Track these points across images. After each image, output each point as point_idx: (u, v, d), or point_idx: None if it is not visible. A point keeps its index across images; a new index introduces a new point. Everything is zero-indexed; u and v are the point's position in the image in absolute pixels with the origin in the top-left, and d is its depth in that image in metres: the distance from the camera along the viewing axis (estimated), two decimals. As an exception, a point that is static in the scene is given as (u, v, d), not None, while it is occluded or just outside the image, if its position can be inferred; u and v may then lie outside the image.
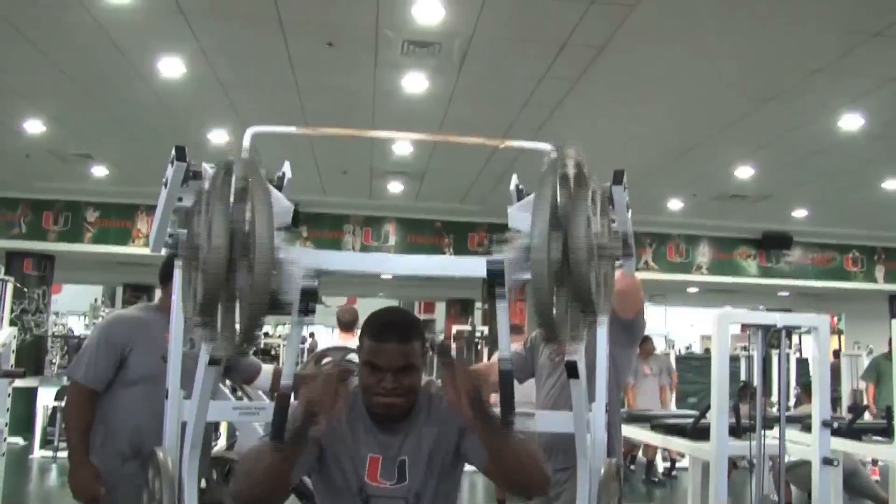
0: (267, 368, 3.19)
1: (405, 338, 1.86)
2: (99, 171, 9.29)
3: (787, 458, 3.54)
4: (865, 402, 8.31)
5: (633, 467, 9.29)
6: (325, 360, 3.52)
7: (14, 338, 4.39)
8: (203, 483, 2.93)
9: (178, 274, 2.36)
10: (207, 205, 1.55)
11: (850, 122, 6.61)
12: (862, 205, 9.82)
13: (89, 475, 2.73)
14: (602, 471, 2.30)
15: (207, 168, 2.16)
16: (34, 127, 7.52)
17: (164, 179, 2.13)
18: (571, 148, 1.64)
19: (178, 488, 2.26)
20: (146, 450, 2.47)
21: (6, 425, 4.12)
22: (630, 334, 3.10)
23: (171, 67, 5.91)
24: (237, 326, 1.54)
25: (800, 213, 10.59)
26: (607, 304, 1.66)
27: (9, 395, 4.25)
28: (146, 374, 2.76)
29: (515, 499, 6.43)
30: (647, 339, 9.15)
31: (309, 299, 1.61)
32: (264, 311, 1.53)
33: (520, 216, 2.04)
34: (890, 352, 8.34)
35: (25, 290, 10.43)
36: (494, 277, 1.63)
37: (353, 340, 5.34)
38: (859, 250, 11.98)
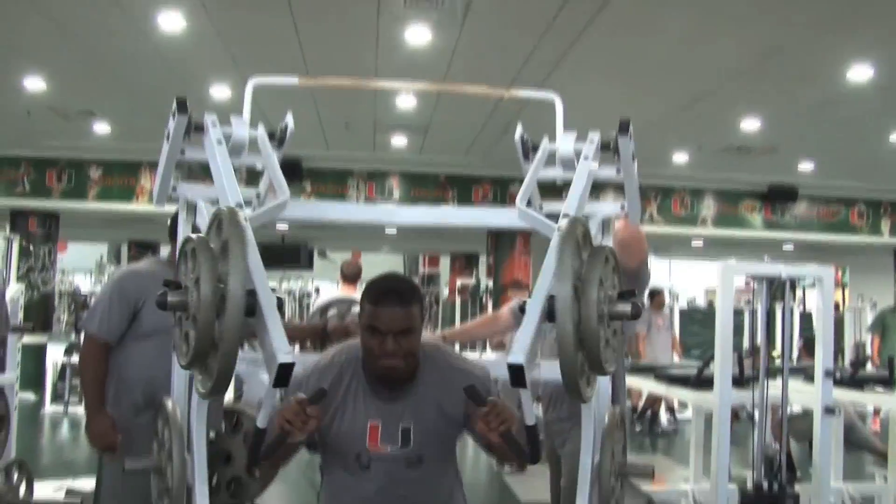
0: None
1: (404, 302, 1.92)
2: (101, 128, 9.26)
3: (788, 409, 3.57)
4: (868, 353, 8.38)
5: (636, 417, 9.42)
6: (329, 313, 3.54)
7: (21, 294, 4.42)
8: (213, 434, 2.97)
9: (181, 223, 2.38)
10: (195, 255, 1.67)
11: (859, 73, 6.53)
12: (869, 158, 9.75)
13: (106, 424, 2.77)
14: (606, 419, 2.33)
15: (209, 120, 2.16)
16: (34, 84, 7.46)
17: (166, 132, 2.13)
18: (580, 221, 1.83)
19: (187, 438, 2.30)
20: (159, 401, 2.51)
21: (17, 379, 4.17)
22: (634, 284, 3.12)
23: (171, 21, 5.85)
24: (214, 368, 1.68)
25: (806, 165, 10.53)
26: (613, 357, 1.82)
27: (18, 350, 4.29)
28: (158, 328, 2.77)
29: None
30: (660, 292, 9.27)
31: (286, 371, 1.68)
32: (234, 359, 1.66)
33: (529, 215, 2.19)
34: None
35: (31, 247, 10.49)
36: (516, 374, 1.72)
37: (356, 293, 5.45)
38: (865, 204, 11.94)
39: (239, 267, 1.62)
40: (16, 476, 3.94)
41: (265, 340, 1.76)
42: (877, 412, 8.54)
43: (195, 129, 2.12)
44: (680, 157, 10.25)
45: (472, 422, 1.85)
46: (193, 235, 1.77)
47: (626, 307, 1.79)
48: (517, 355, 1.70)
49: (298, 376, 1.97)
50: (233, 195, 1.98)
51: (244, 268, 1.64)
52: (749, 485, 3.39)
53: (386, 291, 1.95)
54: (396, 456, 1.97)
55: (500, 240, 11.64)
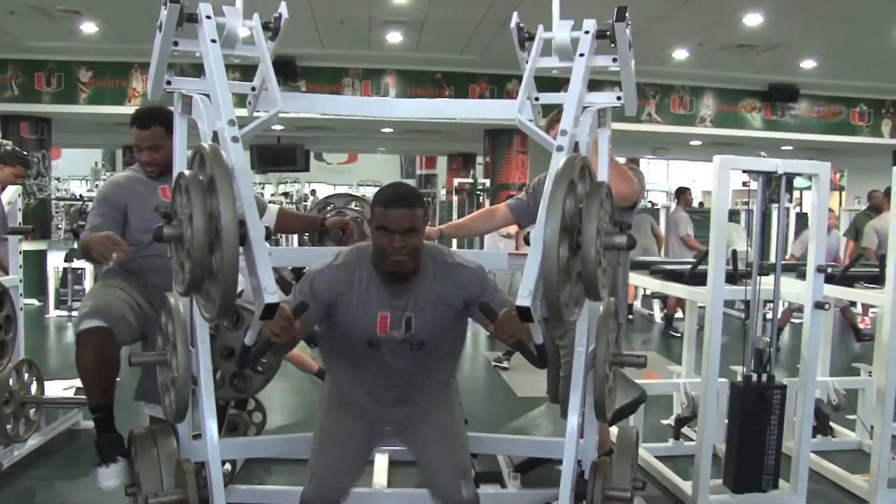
0: (272, 207, 3.27)
1: (410, 205, 2.21)
2: (89, 27, 9.01)
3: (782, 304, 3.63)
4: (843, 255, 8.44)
5: (631, 316, 9.57)
6: (328, 208, 3.56)
7: (18, 196, 4.40)
8: (213, 329, 3.03)
9: (177, 118, 2.37)
10: (188, 190, 1.80)
11: (867, -37, 6.33)
12: (873, 54, 9.55)
13: (101, 236, 2.74)
14: (601, 309, 2.38)
15: (203, 10, 2.11)
16: (15, -20, 7.22)
17: (158, 23, 2.09)
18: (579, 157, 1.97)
19: (190, 331, 2.36)
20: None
21: (21, 281, 4.21)
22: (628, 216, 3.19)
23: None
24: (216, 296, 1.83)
25: (808, 63, 10.34)
26: (608, 283, 2.02)
27: (20, 254, 4.32)
28: (141, 227, 2.94)
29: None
30: (687, 190, 9.28)
31: (270, 310, 1.90)
32: (235, 288, 1.82)
33: (529, 127, 2.35)
34: (871, 208, 8.40)
35: (25, 153, 10.39)
36: (523, 315, 1.93)
37: None
38: (867, 104, 11.81)
39: (229, 202, 1.74)
40: (26, 375, 4.04)
41: (254, 271, 1.91)
42: (866, 309, 8.71)
43: (188, 20, 2.09)
44: (679, 55, 10.04)
45: (487, 328, 2.16)
46: (186, 172, 1.89)
47: (622, 239, 1.95)
48: (524, 299, 1.91)
49: (313, 273, 2.33)
50: (226, 111, 2.03)
51: (234, 203, 1.76)
52: (739, 379, 3.49)
53: (395, 197, 2.23)
54: (402, 340, 2.32)
55: (498, 139, 11.56)
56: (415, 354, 2.35)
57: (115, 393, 2.93)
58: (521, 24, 2.42)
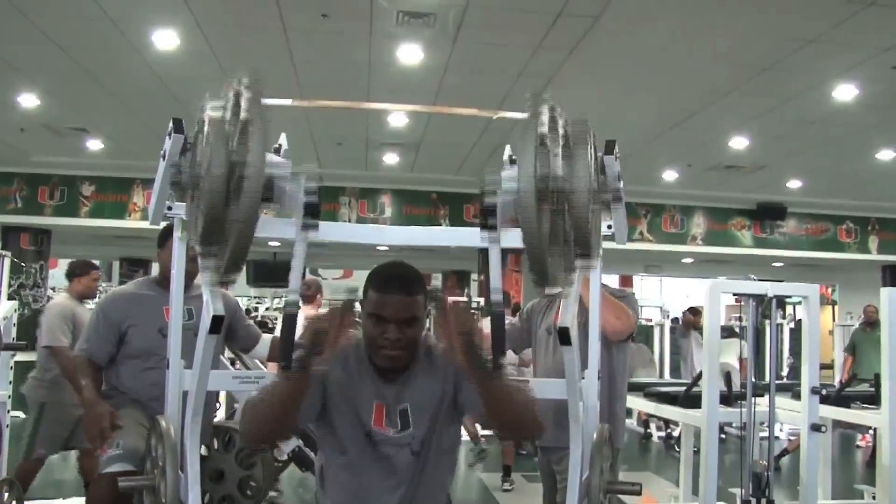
0: (266, 337, 3.25)
1: (410, 291, 1.90)
2: (94, 144, 9.29)
3: (778, 425, 3.60)
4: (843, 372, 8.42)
5: (649, 432, 9.43)
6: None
7: (15, 311, 4.42)
8: (204, 451, 2.98)
9: (176, 243, 2.41)
10: (207, 137, 1.62)
11: (845, 92, 6.62)
12: (856, 175, 9.86)
13: (103, 410, 2.76)
14: (594, 436, 2.36)
15: (208, 108, 2.18)
16: (28, 101, 7.50)
17: (162, 151, 2.15)
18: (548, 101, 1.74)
19: (180, 455, 2.32)
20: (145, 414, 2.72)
21: (9, 398, 4.16)
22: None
23: (166, 40, 5.89)
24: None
25: (794, 183, 10.63)
26: (598, 245, 1.79)
27: (11, 368, 4.29)
28: (142, 349, 2.92)
29: (520, 454, 6.54)
30: (698, 312, 9.24)
31: (313, 208, 1.76)
32: (251, 235, 1.60)
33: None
34: (867, 323, 8.44)
35: (23, 264, 10.46)
36: (488, 215, 1.75)
37: (315, 311, 5.85)
38: (853, 221, 12.03)
39: (259, 144, 1.57)
40: (6, 496, 3.93)
41: (287, 203, 1.83)
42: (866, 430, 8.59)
43: (191, 149, 2.15)
44: (670, 175, 10.34)
45: (438, 327, 1.71)
46: (207, 109, 1.69)
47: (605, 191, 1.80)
48: (489, 198, 1.81)
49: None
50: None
51: (263, 143, 1.59)
52: (738, 503, 3.42)
53: (391, 278, 1.93)
54: (399, 441, 1.91)
55: (492, 257, 11.67)
56: (416, 463, 1.92)
57: None
58: (513, 157, 2.49)
